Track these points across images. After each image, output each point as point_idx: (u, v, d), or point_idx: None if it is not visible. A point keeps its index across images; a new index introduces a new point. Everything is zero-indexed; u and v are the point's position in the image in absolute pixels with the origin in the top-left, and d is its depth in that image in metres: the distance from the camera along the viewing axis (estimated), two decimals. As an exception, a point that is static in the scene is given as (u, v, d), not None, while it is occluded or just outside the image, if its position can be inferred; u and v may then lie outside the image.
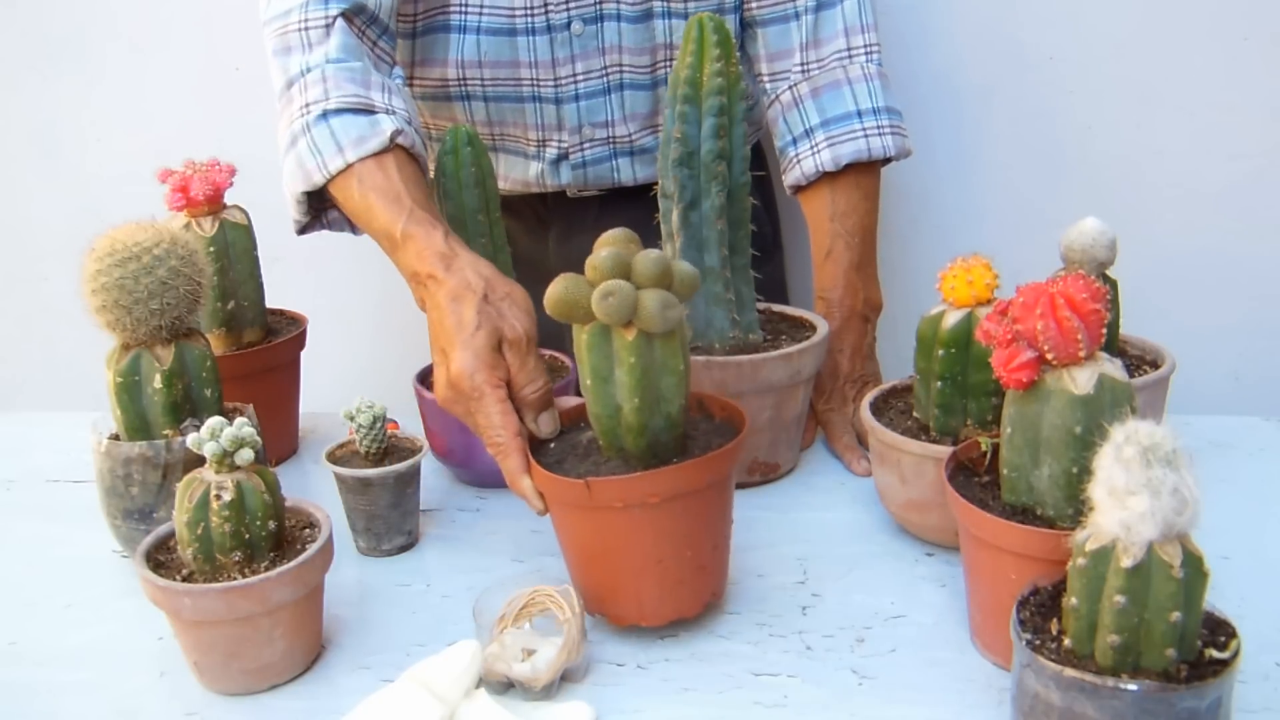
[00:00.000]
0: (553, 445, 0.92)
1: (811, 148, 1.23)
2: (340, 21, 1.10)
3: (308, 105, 1.07)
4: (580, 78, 1.24)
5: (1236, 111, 1.53)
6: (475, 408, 0.92)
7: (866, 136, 1.22)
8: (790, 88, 1.26)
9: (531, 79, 1.24)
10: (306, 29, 1.10)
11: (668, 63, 1.26)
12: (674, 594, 0.86)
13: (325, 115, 1.05)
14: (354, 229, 1.13)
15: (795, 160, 1.25)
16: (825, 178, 1.23)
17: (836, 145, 1.22)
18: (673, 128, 1.03)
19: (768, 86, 1.29)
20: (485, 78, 1.25)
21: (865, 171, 1.24)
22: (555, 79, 1.24)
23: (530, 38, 1.22)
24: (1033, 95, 1.57)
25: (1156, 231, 1.57)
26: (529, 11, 1.22)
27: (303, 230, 1.15)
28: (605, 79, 1.25)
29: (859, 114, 1.23)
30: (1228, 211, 1.57)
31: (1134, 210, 1.57)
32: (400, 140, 1.05)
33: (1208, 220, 1.58)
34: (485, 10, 1.22)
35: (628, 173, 1.31)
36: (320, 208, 1.14)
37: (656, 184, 1.08)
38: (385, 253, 1.03)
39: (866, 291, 1.22)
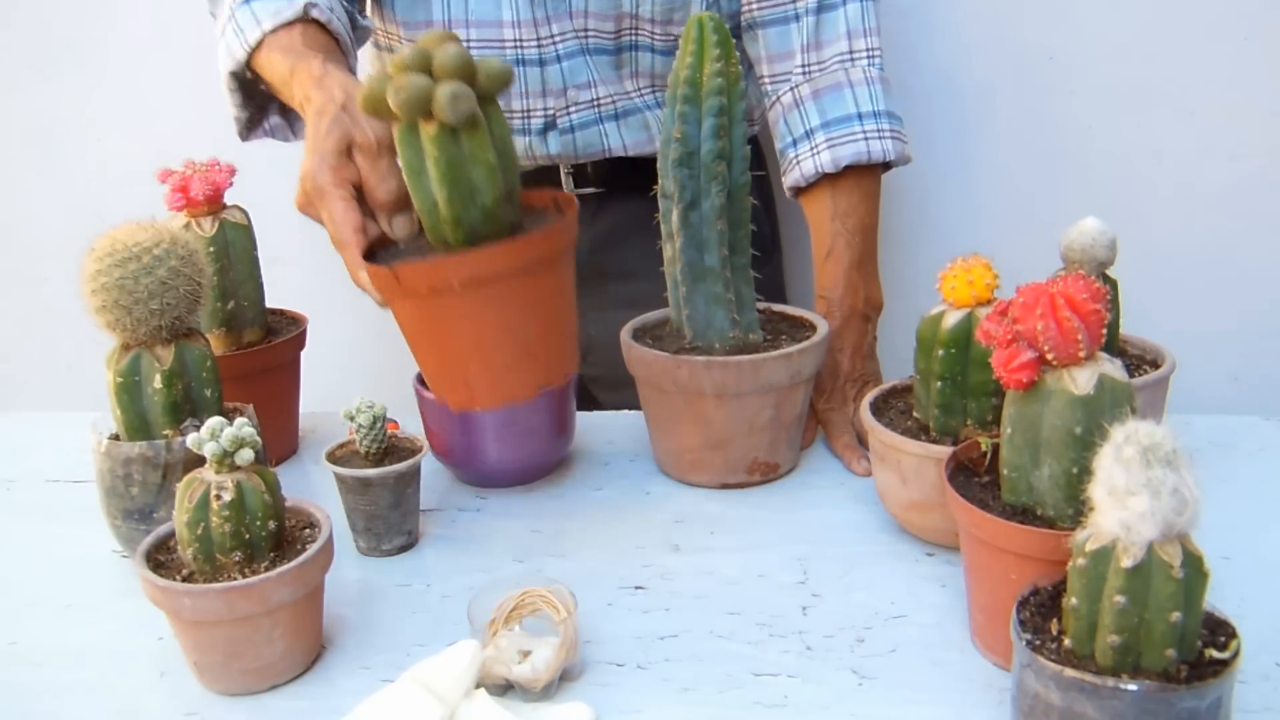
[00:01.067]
0: (403, 246, 0.96)
1: (811, 149, 1.23)
2: None
3: None
4: (558, 38, 1.25)
5: (1236, 111, 1.53)
6: (320, 207, 0.95)
7: (866, 139, 1.22)
8: (791, 89, 1.26)
9: (515, 39, 1.25)
10: None
11: (633, 31, 1.26)
12: (501, 379, 0.88)
13: (248, 1, 1.12)
14: (293, 132, 1.20)
15: (795, 161, 1.25)
16: (825, 179, 1.23)
17: (836, 147, 1.22)
18: (672, 128, 1.03)
19: (768, 88, 1.29)
20: (472, 38, 1.26)
21: (865, 173, 1.24)
22: (538, 39, 1.25)
23: None
24: (1033, 95, 1.57)
25: (1156, 231, 1.57)
26: None
27: (246, 134, 1.20)
28: (578, 40, 1.26)
29: (859, 116, 1.23)
30: (1228, 211, 1.57)
31: (1134, 210, 1.57)
32: (314, 14, 1.11)
33: (1208, 220, 1.58)
34: None
35: (616, 139, 1.30)
36: (261, 109, 1.19)
37: (655, 181, 1.08)
38: (297, 110, 1.06)
39: (867, 291, 1.22)
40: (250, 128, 1.21)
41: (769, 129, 1.32)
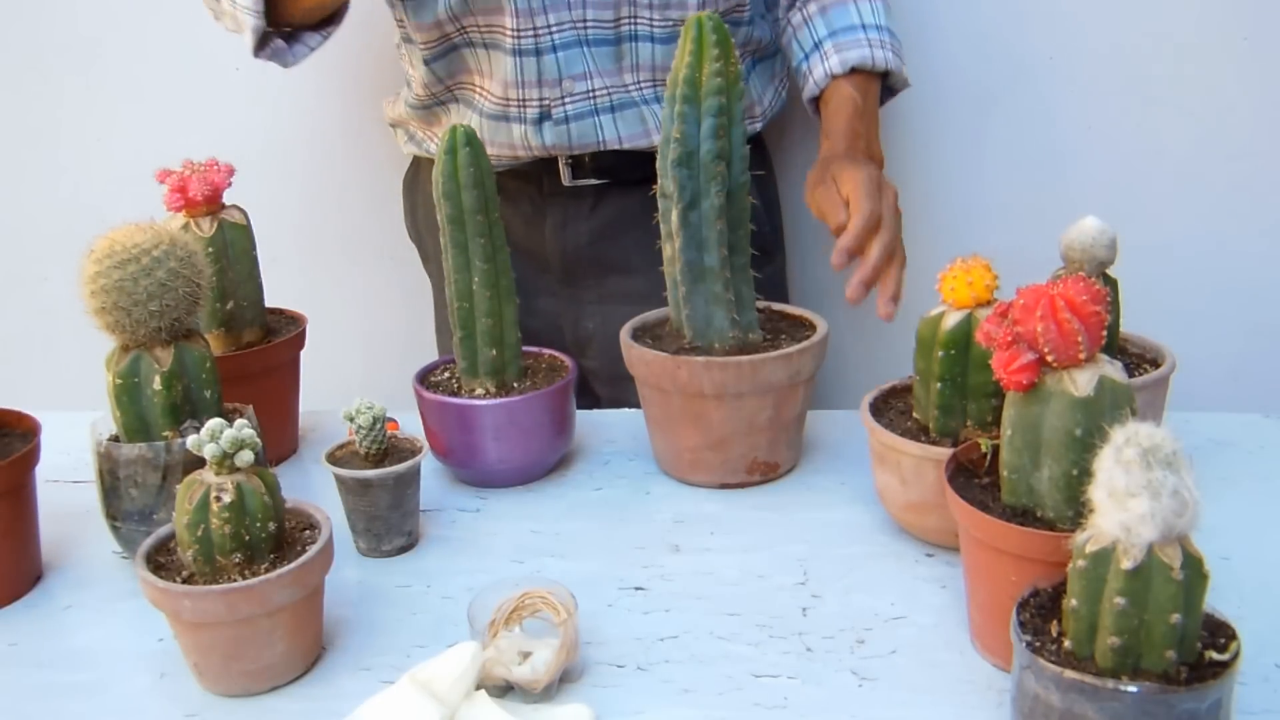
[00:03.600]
0: None
1: (821, 58, 1.31)
2: None
3: None
4: (555, 28, 1.27)
5: (1236, 111, 1.53)
6: None
7: (870, 46, 1.30)
8: (800, 9, 1.35)
9: (514, 28, 1.27)
10: None
11: (632, 20, 1.28)
12: None
13: None
14: (292, 55, 1.30)
15: (808, 73, 1.32)
16: (834, 81, 1.30)
17: (844, 51, 1.30)
18: (671, 128, 1.03)
19: (783, 20, 1.37)
20: (479, 24, 1.28)
21: (869, 81, 1.31)
22: (534, 28, 1.27)
23: None
24: (1033, 95, 1.57)
25: (1156, 231, 1.57)
26: None
27: (259, 48, 1.26)
28: (575, 31, 1.28)
29: (863, 27, 1.31)
30: (1228, 211, 1.57)
31: (1134, 210, 1.57)
32: None
33: (1208, 220, 1.58)
34: None
35: (611, 131, 1.32)
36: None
37: (654, 178, 1.08)
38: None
39: (869, 139, 1.27)
40: (261, 44, 1.26)
41: (785, 53, 1.39)
